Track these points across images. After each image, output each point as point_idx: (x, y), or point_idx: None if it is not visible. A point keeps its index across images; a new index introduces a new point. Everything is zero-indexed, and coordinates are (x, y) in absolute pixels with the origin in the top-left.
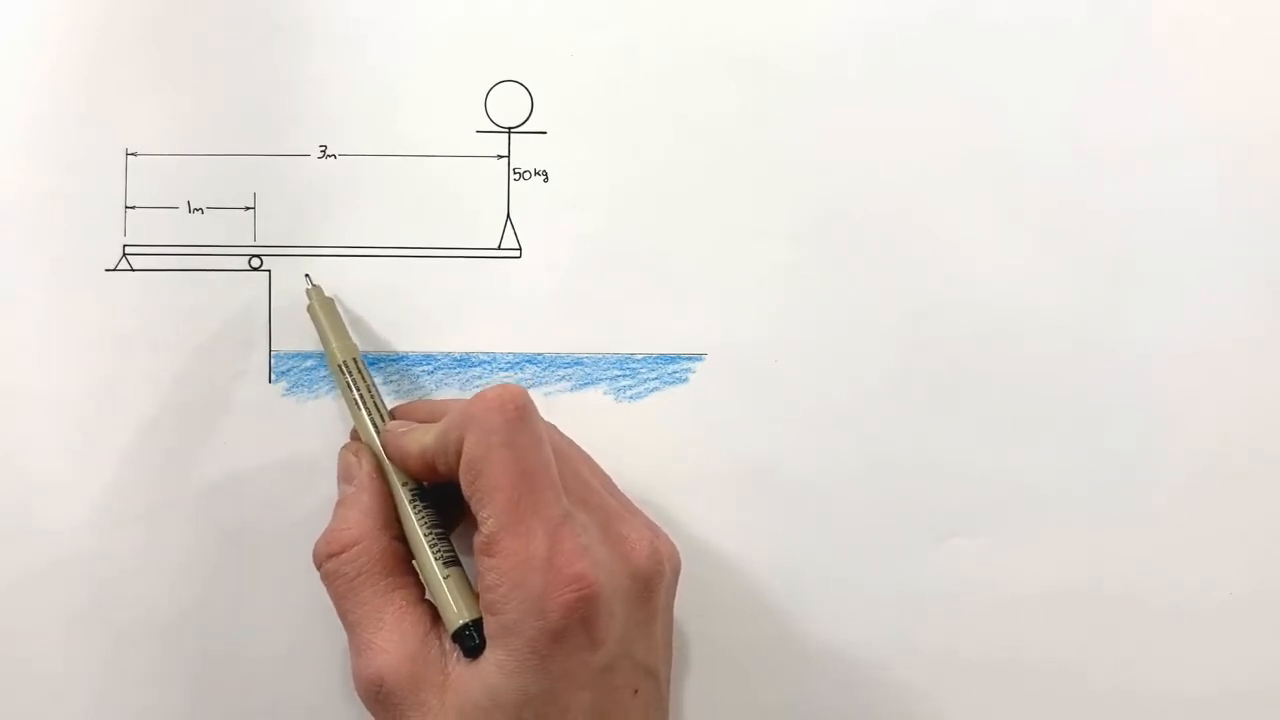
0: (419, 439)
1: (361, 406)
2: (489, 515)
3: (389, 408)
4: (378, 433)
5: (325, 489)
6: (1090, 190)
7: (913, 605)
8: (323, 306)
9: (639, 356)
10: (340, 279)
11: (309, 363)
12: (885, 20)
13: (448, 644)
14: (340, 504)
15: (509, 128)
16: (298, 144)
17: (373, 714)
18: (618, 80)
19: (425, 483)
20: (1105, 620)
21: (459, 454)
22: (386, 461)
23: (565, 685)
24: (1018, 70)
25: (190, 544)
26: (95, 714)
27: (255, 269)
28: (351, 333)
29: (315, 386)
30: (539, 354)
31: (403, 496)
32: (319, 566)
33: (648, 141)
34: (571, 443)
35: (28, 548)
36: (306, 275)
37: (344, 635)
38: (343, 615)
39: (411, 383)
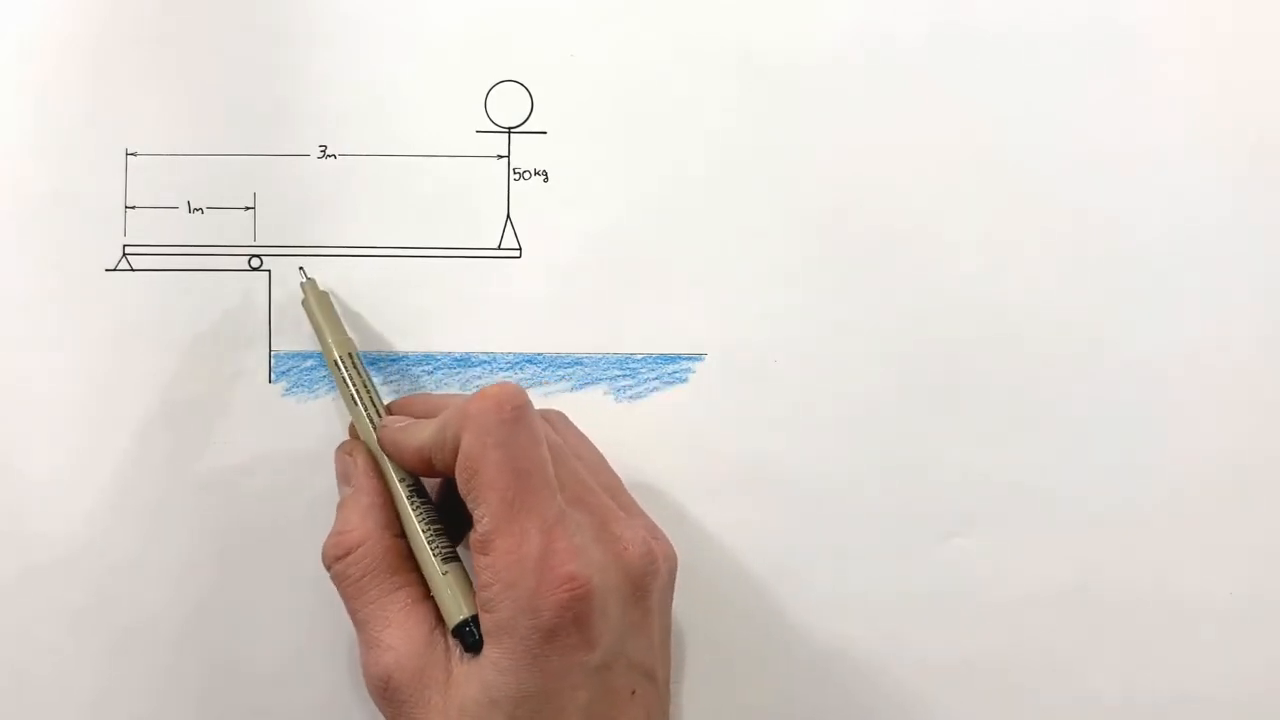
0: (416, 435)
1: (358, 402)
2: (484, 514)
3: (386, 404)
4: (375, 428)
5: (325, 489)
6: (1089, 193)
7: (913, 605)
8: (318, 300)
9: (639, 356)
10: (340, 279)
11: (309, 363)
12: (887, 21)
13: (451, 640)
14: (341, 506)
15: (509, 128)
16: (298, 144)
17: (380, 710)
18: (618, 80)
19: (424, 478)
20: (1104, 620)
21: (455, 452)
22: (384, 458)
23: (560, 684)
24: (1018, 75)
25: (190, 544)
26: (95, 715)
27: (255, 269)
28: (347, 328)
29: (315, 386)
30: (539, 354)
31: (401, 493)
32: (328, 569)
33: (648, 141)
34: (582, 438)
35: (28, 548)
36: (301, 269)
37: (346, 634)
38: (351, 614)
39: (411, 383)
